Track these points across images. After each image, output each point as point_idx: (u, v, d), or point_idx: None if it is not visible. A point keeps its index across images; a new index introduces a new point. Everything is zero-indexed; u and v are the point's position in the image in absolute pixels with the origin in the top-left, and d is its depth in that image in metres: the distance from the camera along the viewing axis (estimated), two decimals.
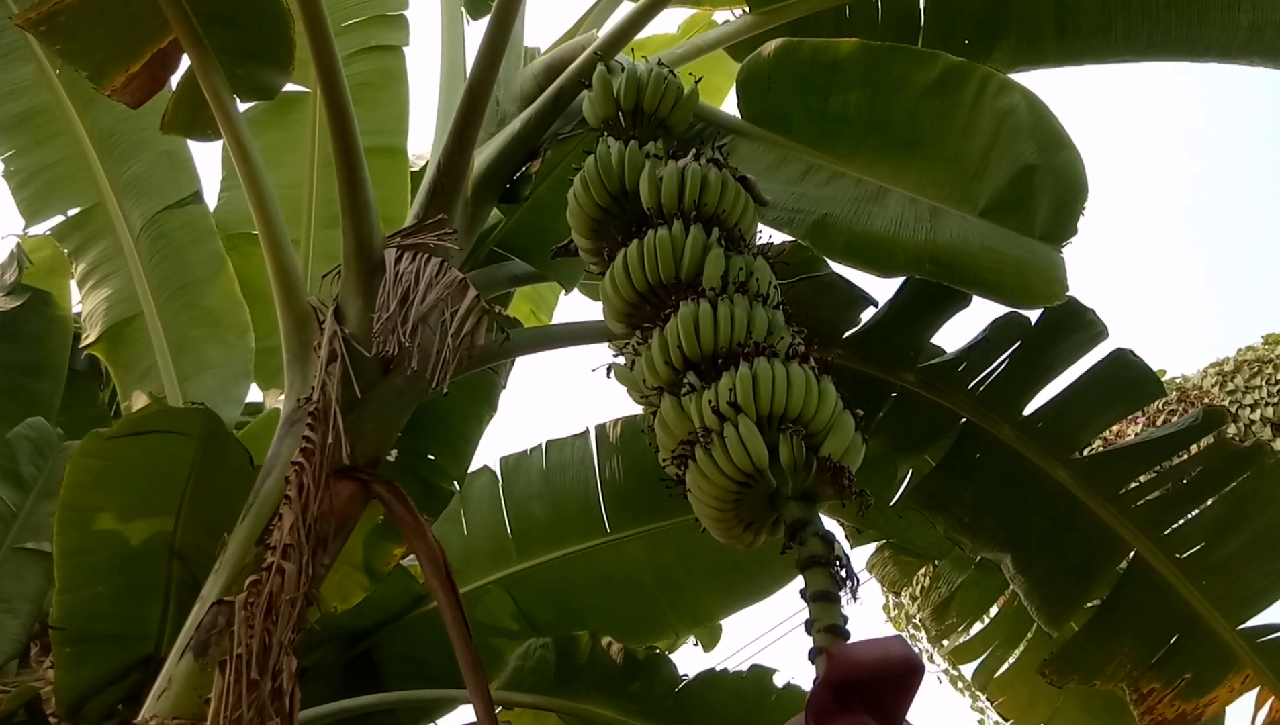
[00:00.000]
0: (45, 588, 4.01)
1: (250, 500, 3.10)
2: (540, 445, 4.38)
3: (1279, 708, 3.49)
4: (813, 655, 2.08)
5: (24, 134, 4.41)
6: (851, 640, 2.08)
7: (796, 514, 2.26)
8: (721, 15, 4.46)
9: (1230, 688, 3.48)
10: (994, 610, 4.15)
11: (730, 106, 3.45)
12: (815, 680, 2.01)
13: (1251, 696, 3.53)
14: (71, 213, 4.47)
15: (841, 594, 2.16)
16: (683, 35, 4.48)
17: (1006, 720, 4.06)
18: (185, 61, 3.42)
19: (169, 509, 3.25)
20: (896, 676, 1.95)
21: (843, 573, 2.17)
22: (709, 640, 5.24)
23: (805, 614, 2.14)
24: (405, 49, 4.40)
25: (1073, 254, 2.84)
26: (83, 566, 3.24)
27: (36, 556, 4.13)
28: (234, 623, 2.50)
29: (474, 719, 4.24)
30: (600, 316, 3.26)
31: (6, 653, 3.97)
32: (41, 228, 4.55)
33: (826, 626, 2.09)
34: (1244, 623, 3.37)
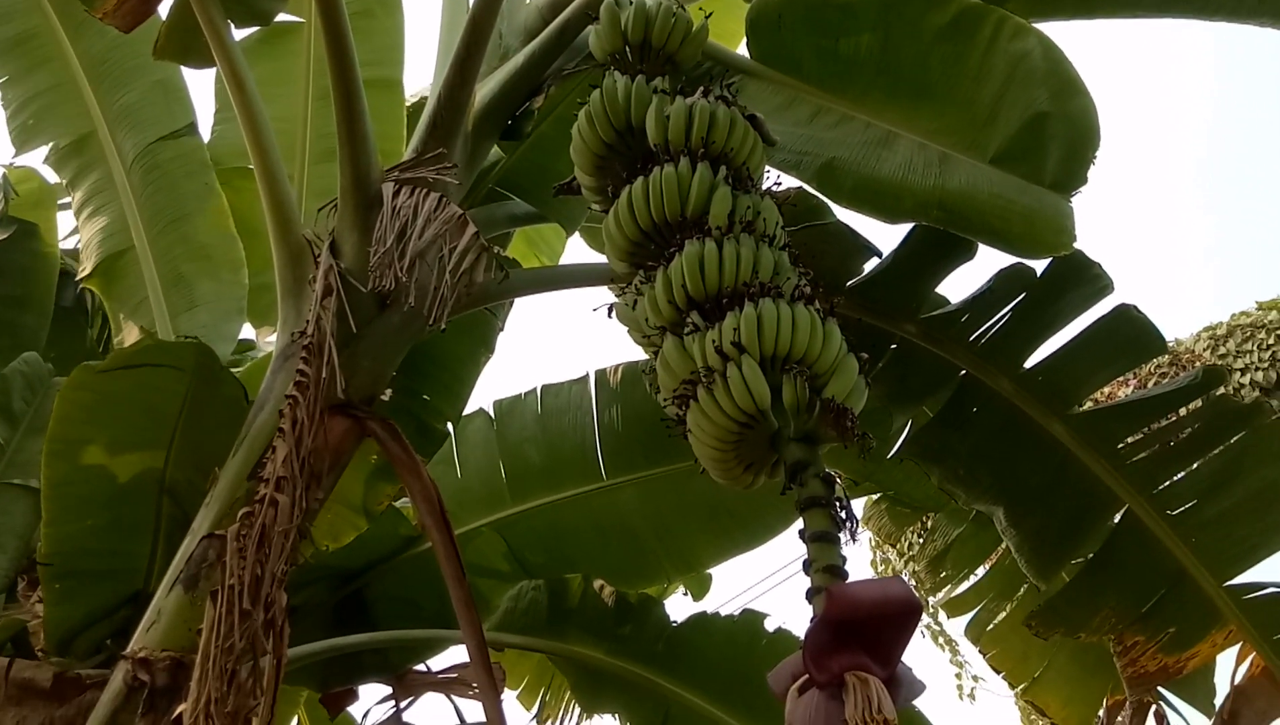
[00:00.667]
0: (33, 524, 3.96)
1: (242, 435, 3.07)
2: (535, 389, 4.36)
3: (1260, 663, 3.54)
4: (810, 595, 2.08)
5: (15, 59, 4.28)
6: (850, 580, 2.07)
7: (798, 455, 2.25)
8: None
9: (1213, 643, 3.51)
10: (988, 564, 4.16)
11: (742, 53, 3.37)
12: (813, 619, 2.01)
13: (1233, 652, 3.58)
14: (62, 142, 4.35)
15: (840, 535, 2.15)
16: None
17: (999, 673, 4.10)
18: None
19: (160, 444, 3.19)
20: (895, 616, 1.95)
21: (842, 514, 2.17)
22: (699, 589, 5.27)
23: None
24: None
25: (1081, 206, 2.80)
26: (70, 499, 3.18)
27: (24, 492, 4.07)
28: (226, 554, 2.48)
29: (463, 659, 4.29)
30: (601, 260, 3.22)
31: None
32: (34, 158, 4.44)
33: (825, 567, 2.09)
34: (1231, 579, 3.39)
